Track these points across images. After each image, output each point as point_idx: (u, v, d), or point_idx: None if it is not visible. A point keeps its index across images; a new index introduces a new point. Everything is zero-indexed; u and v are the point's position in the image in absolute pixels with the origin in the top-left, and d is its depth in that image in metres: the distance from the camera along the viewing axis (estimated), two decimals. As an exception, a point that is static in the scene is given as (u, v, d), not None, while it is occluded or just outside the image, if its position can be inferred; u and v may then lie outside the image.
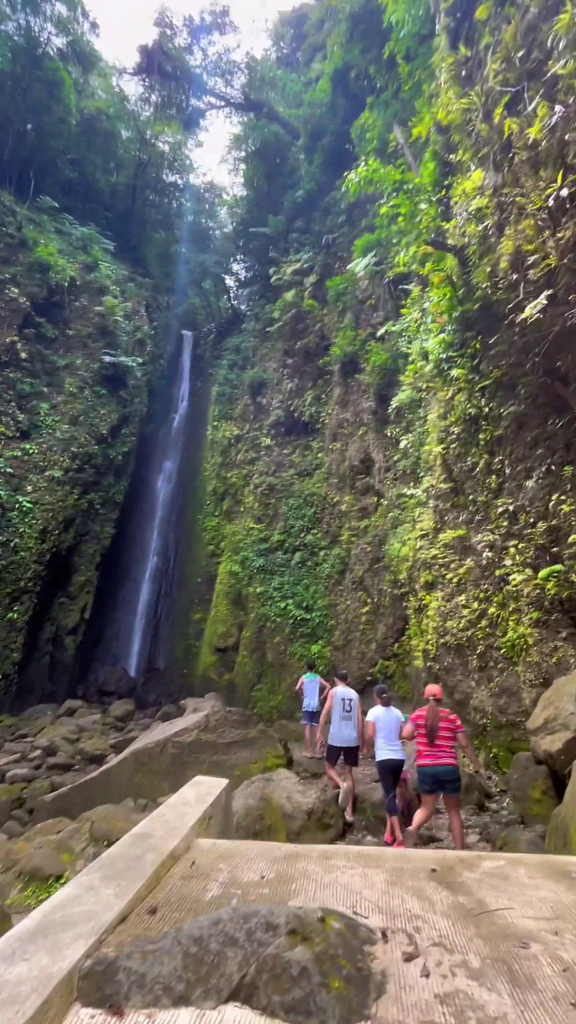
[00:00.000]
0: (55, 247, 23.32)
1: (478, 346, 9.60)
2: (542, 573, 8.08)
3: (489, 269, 7.86)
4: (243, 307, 31.67)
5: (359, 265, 17.71)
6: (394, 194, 9.76)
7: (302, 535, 21.61)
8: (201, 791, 4.83)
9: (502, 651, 8.91)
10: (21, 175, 24.92)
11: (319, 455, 22.69)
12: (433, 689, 6.82)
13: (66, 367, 23.13)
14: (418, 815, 6.59)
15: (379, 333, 17.53)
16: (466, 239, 8.38)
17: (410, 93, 13.73)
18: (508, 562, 8.87)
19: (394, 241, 17.60)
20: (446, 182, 9.38)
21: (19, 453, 20.57)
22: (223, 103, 29.00)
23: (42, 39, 24.92)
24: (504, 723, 8.60)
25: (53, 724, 15.47)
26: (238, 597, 22.62)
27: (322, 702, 11.89)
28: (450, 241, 9.10)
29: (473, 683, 9.64)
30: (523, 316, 6.99)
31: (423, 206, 9.32)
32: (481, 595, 9.52)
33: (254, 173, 28.54)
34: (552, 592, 7.91)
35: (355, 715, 8.33)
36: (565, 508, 7.81)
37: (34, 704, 19.85)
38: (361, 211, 22.83)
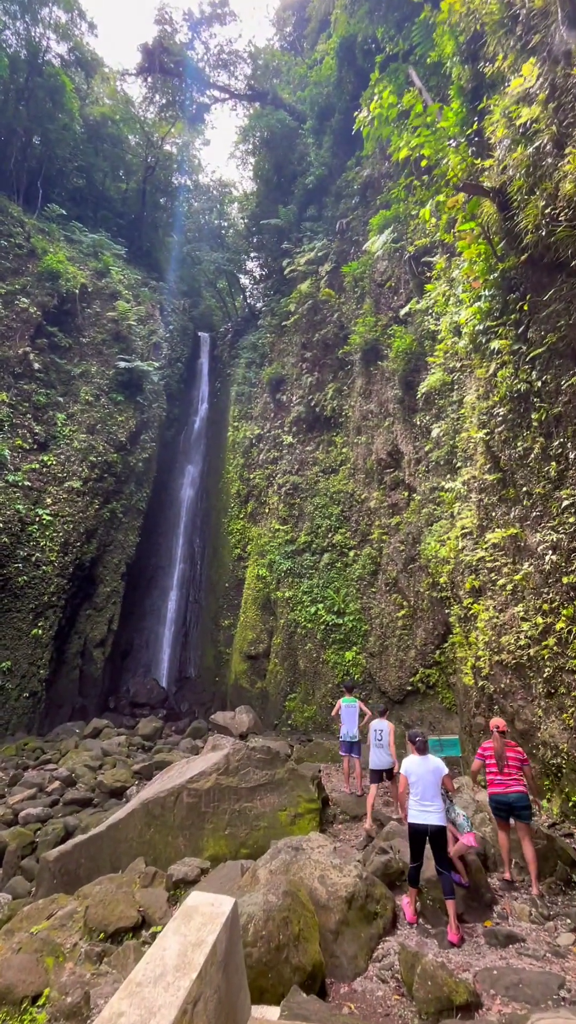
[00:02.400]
0: (64, 255, 22.26)
1: (526, 308, 7.75)
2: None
3: (543, 203, 6.04)
4: (259, 305, 30.09)
5: (376, 243, 15.88)
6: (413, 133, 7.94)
7: (330, 535, 19.94)
8: (190, 936, 3.29)
9: (577, 675, 7.08)
10: (29, 186, 23.99)
11: (343, 450, 20.95)
12: (497, 722, 6.78)
13: (81, 375, 22.06)
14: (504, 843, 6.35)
15: (402, 313, 15.66)
16: (509, 173, 6.57)
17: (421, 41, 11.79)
18: (580, 567, 7.02)
19: (413, 213, 15.76)
20: (479, 106, 7.55)
21: (37, 465, 19.59)
22: (227, 95, 27.42)
23: (42, 46, 23.87)
24: (586, 766, 6.79)
25: (77, 748, 14.31)
26: (267, 602, 21.15)
27: (363, 731, 10.26)
28: (486, 184, 7.28)
29: (540, 712, 7.82)
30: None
31: (451, 143, 7.51)
32: (545, 606, 7.68)
33: (263, 164, 26.90)
34: None
35: (387, 741, 8.95)
36: None
37: (64, 721, 18.88)
38: (375, 190, 20.92)
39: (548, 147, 5.83)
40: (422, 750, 5.93)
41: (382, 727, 9.03)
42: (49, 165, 24.83)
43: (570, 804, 7.02)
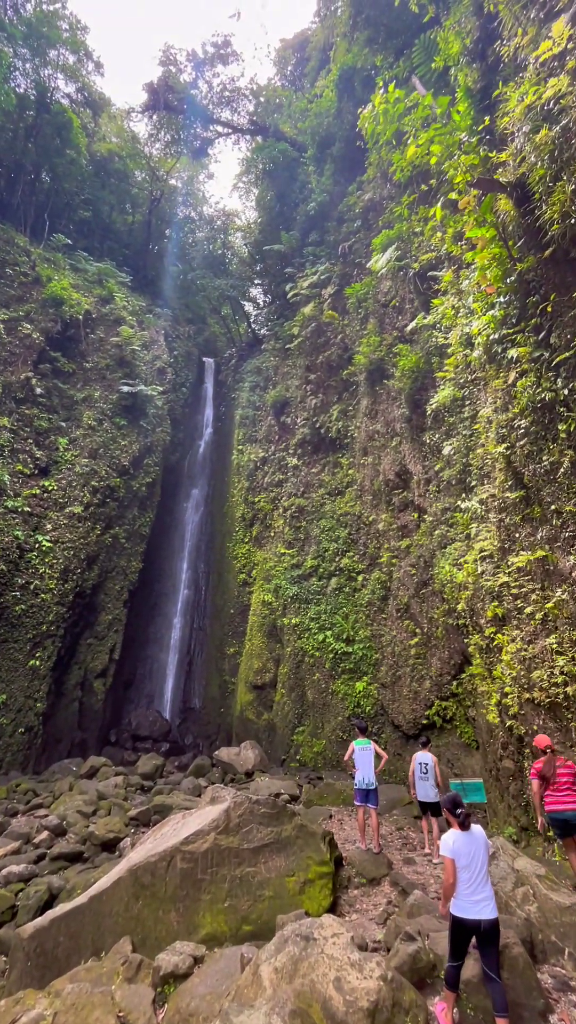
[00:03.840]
0: (68, 282, 22.09)
1: (549, 309, 7.00)
2: None
3: (573, 187, 5.34)
4: (263, 330, 29.88)
5: (380, 261, 15.41)
6: (423, 131, 7.38)
7: (337, 559, 19.00)
8: None
9: (626, 720, 6.06)
10: (36, 218, 24.07)
11: (350, 472, 20.18)
12: (544, 740, 6.76)
13: (84, 400, 21.61)
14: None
15: (408, 330, 15.05)
16: (530, 161, 5.91)
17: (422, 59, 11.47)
18: (626, 595, 6.08)
19: (416, 230, 15.32)
20: (494, 94, 6.96)
21: (38, 491, 18.94)
22: (230, 130, 27.76)
23: (51, 85, 24.26)
24: None
25: (71, 791, 13.19)
26: (273, 629, 20.09)
27: (380, 776, 9.18)
28: (502, 179, 6.65)
29: (582, 760, 6.76)
30: None
31: (463, 137, 6.89)
32: (584, 639, 6.71)
33: (265, 194, 26.99)
34: None
35: (432, 773, 9.05)
36: None
37: (62, 756, 17.73)
38: (377, 212, 20.70)
39: (578, 122, 5.18)
40: (466, 824, 4.66)
41: (427, 760, 9.18)
42: (56, 198, 24.97)
43: (626, 874, 5.91)
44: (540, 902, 5.62)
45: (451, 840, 4.61)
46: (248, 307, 33.03)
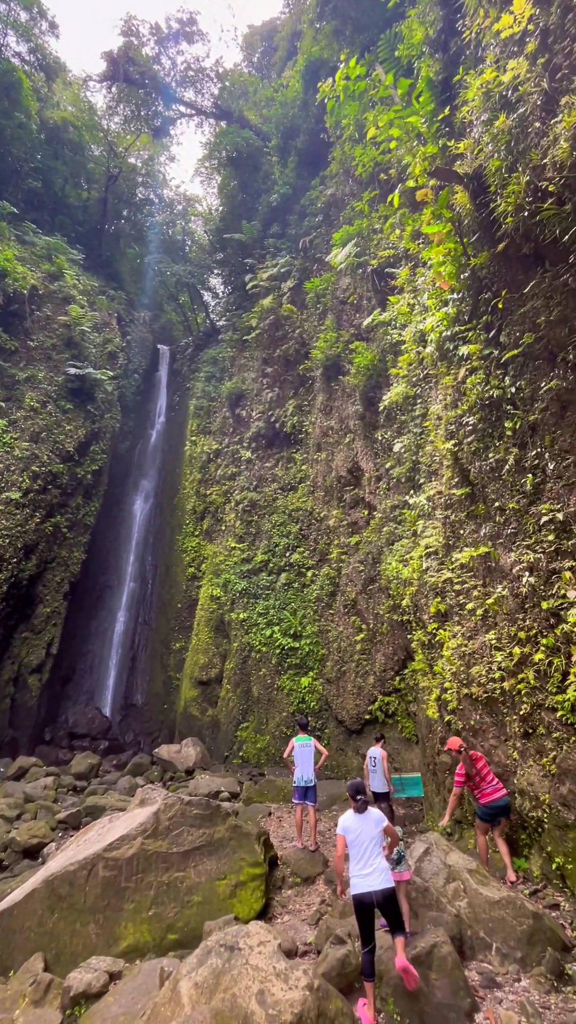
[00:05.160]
0: (13, 253, 20.68)
1: (500, 306, 6.99)
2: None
3: (527, 179, 5.27)
4: (221, 321, 29.24)
5: (339, 255, 15.26)
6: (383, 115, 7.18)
7: (287, 554, 18.80)
8: None
9: (559, 714, 6.13)
10: (-21, 182, 22.39)
11: (303, 467, 20.01)
12: (456, 742, 6.92)
13: (27, 380, 20.31)
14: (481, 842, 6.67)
15: (364, 325, 14.99)
16: (487, 151, 5.82)
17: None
18: (562, 591, 6.13)
19: (376, 227, 15.28)
20: (455, 79, 6.86)
21: (-30, 474, 17.62)
22: (194, 112, 26.87)
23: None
24: (573, 822, 5.77)
25: (-5, 793, 12.28)
26: (220, 624, 19.66)
27: (319, 773, 9.02)
28: (460, 170, 6.56)
29: (516, 754, 6.81)
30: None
31: (422, 121, 6.76)
32: (521, 635, 6.75)
33: (228, 181, 26.33)
34: None
35: (380, 768, 9.40)
36: None
37: (-11, 757, 16.59)
38: (339, 208, 20.54)
39: (536, 110, 5.10)
40: (363, 808, 4.95)
41: (375, 754, 9.58)
42: (2, 163, 23.33)
43: (553, 866, 5.97)
44: (470, 897, 5.57)
45: (343, 819, 4.96)
46: (207, 296, 32.23)
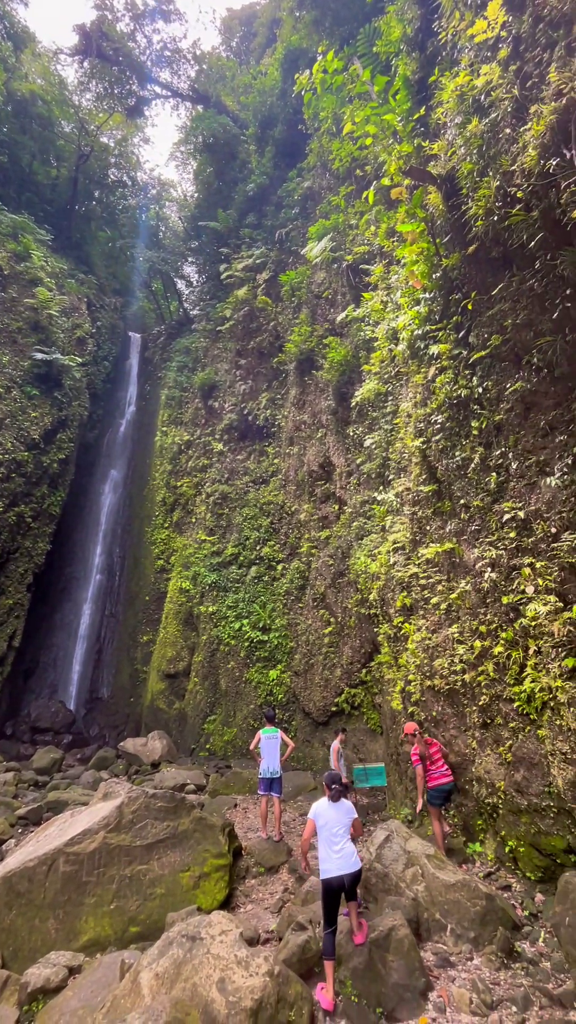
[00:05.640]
0: (-24, 230, 19.81)
1: (470, 307, 7.13)
2: None
3: (497, 183, 5.39)
4: (194, 311, 28.80)
5: (315, 249, 15.24)
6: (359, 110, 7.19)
7: (258, 548, 18.79)
8: None
9: (515, 704, 6.37)
10: None
11: (275, 461, 19.99)
12: (412, 726, 7.37)
13: (-10, 364, 19.55)
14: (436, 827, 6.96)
15: (338, 320, 15.03)
16: (460, 153, 5.91)
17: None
18: (522, 586, 6.35)
19: (352, 223, 15.30)
20: (430, 80, 6.93)
21: None
22: (169, 93, 26.21)
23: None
24: (525, 807, 6.02)
25: (-49, 790, 11.92)
26: (189, 617, 19.53)
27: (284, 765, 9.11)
28: (434, 171, 6.64)
29: (474, 743, 7.05)
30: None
31: (398, 120, 6.81)
32: (482, 628, 6.97)
33: (204, 168, 25.84)
34: (590, 629, 5.43)
35: (341, 759, 10.14)
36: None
37: (-54, 753, 16.08)
38: (316, 201, 20.48)
39: (507, 117, 5.21)
40: (337, 796, 5.19)
41: (332, 745, 10.48)
42: (-35, 134, 22.25)
43: (506, 850, 6.22)
44: (428, 881, 5.76)
45: (316, 805, 5.23)
46: (180, 284, 31.65)
